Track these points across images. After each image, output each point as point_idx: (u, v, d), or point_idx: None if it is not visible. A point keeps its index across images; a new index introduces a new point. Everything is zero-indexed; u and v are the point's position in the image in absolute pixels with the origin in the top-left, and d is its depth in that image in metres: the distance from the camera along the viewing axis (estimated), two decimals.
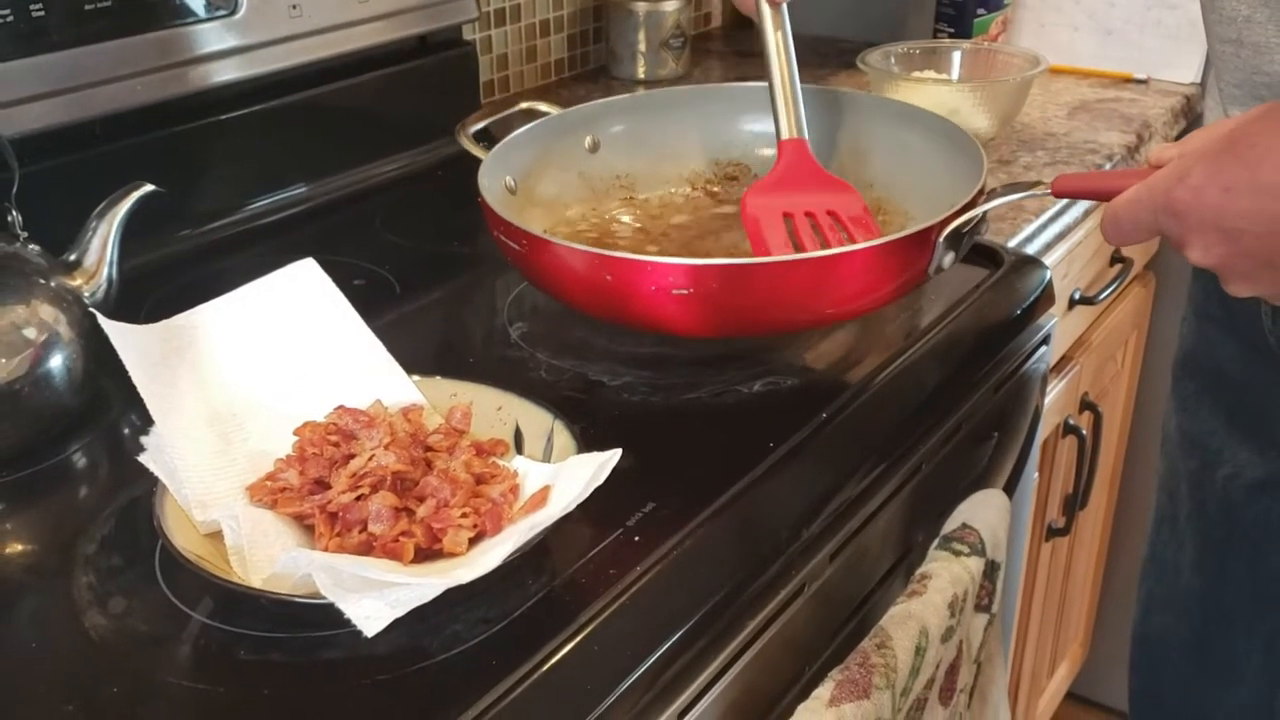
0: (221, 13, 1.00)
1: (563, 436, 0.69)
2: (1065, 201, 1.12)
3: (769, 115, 0.92)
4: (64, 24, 0.91)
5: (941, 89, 1.24)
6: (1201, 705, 1.04)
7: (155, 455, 0.66)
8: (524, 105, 1.01)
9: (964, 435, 0.87)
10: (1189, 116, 1.44)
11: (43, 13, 0.89)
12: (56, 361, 0.74)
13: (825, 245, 0.85)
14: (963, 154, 0.89)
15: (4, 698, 0.57)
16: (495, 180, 0.90)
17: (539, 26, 1.49)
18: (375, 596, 0.55)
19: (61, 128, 0.92)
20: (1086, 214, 1.19)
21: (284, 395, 0.72)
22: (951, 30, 1.49)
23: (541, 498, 0.64)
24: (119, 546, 0.66)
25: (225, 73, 1.02)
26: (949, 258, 0.80)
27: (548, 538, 0.62)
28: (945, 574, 0.80)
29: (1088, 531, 1.58)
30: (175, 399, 0.69)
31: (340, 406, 0.70)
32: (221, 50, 1.01)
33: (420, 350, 0.85)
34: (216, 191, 1.06)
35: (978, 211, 0.80)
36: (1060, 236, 1.14)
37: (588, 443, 0.67)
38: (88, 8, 0.91)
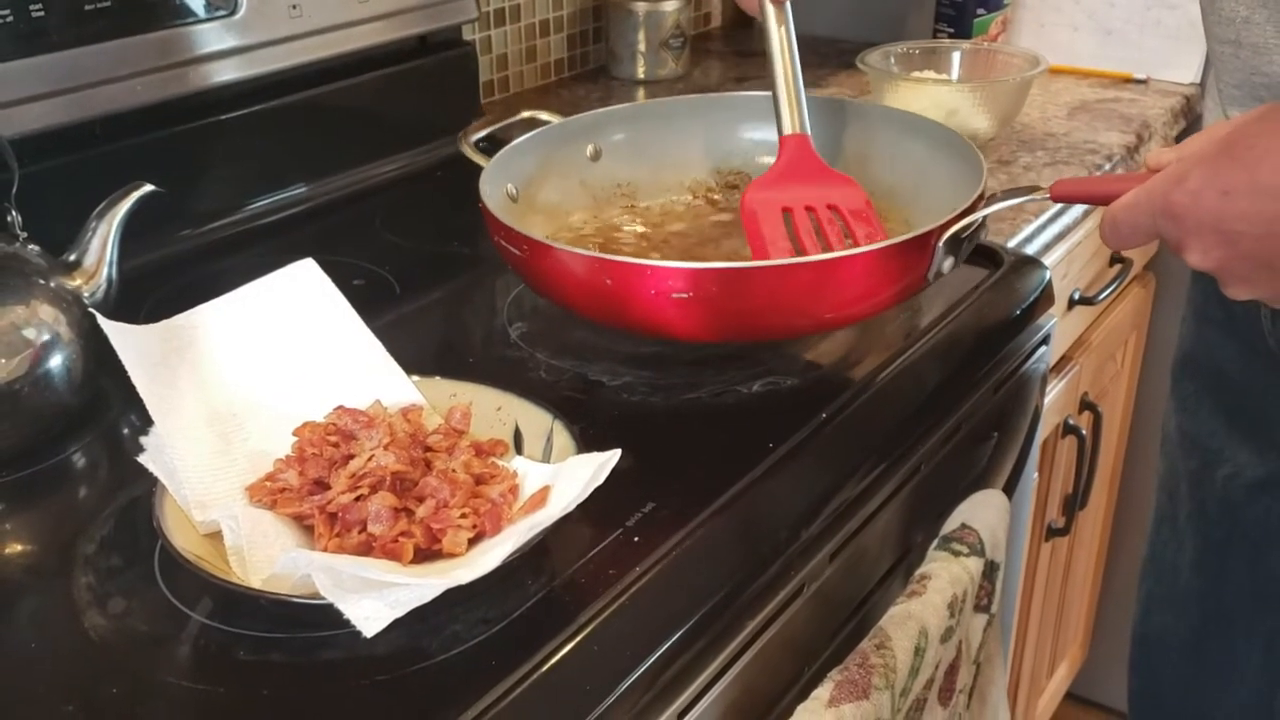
0: (221, 13, 1.00)
1: (562, 437, 0.69)
2: None
3: (771, 124, 0.92)
4: (64, 24, 0.91)
5: (941, 89, 1.24)
6: (1201, 705, 1.04)
7: (155, 455, 0.66)
8: (526, 114, 1.01)
9: (963, 435, 0.87)
10: (1188, 117, 1.44)
11: (42, 13, 0.89)
12: (56, 362, 0.74)
13: (824, 240, 0.85)
14: (963, 161, 0.89)
15: (4, 698, 0.57)
16: (497, 187, 0.90)
17: (539, 26, 1.49)
18: (374, 597, 0.55)
19: (61, 128, 0.92)
20: (1086, 214, 1.19)
21: (283, 395, 0.72)
22: (951, 30, 1.49)
23: (541, 498, 0.64)
24: (118, 547, 0.66)
25: (225, 73, 1.02)
26: (948, 262, 0.80)
27: (547, 538, 0.62)
28: (944, 574, 0.80)
29: (1087, 531, 1.58)
30: (175, 399, 0.69)
31: (340, 407, 0.70)
32: (221, 50, 1.01)
33: (420, 350, 0.85)
34: (216, 191, 1.06)
35: (977, 216, 0.80)
36: (1060, 237, 1.14)
37: (587, 443, 0.67)
38: (87, 8, 0.91)
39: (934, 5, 1.51)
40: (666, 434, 0.76)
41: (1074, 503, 1.36)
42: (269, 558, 0.60)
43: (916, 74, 1.30)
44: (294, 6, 1.05)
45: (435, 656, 0.57)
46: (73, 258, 0.79)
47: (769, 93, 0.92)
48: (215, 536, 0.62)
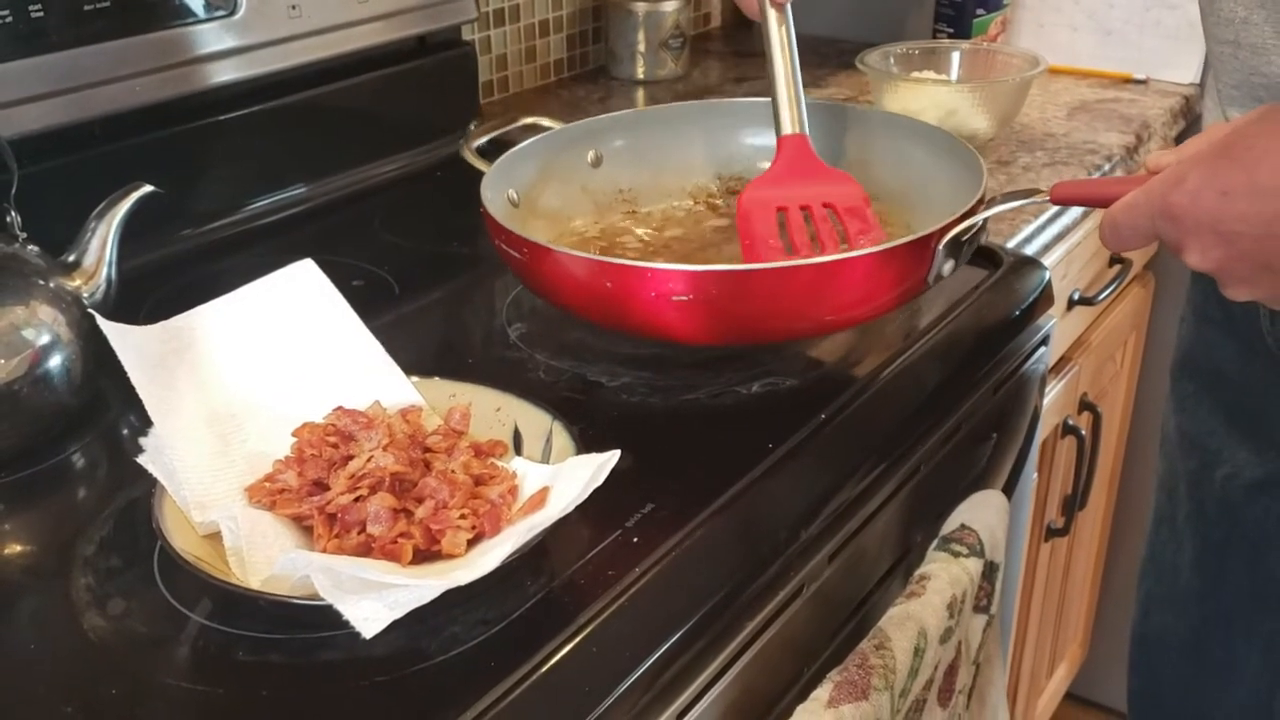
0: (221, 13, 1.00)
1: (561, 437, 0.69)
2: None
3: (771, 129, 0.92)
4: (63, 25, 0.91)
5: (940, 89, 1.24)
6: (1200, 705, 1.04)
7: (154, 456, 0.66)
8: (527, 120, 1.01)
9: (963, 436, 0.87)
10: (1188, 117, 1.44)
11: (42, 13, 0.89)
12: (55, 362, 0.74)
13: (816, 239, 0.85)
14: (963, 165, 0.89)
15: (3, 699, 0.57)
16: (498, 193, 0.90)
17: (538, 27, 1.49)
18: (374, 598, 0.55)
19: (61, 128, 0.92)
20: (1085, 214, 1.19)
21: (283, 396, 0.72)
22: (951, 30, 1.49)
23: (540, 499, 0.64)
24: (118, 548, 0.66)
25: (225, 73, 1.02)
26: (948, 265, 0.80)
27: (546, 539, 0.62)
28: (944, 575, 0.80)
29: (1087, 532, 1.58)
30: (174, 400, 0.69)
31: (339, 408, 0.70)
32: (221, 51, 1.01)
33: (419, 351, 0.85)
34: (216, 192, 1.06)
35: (977, 219, 0.80)
36: (1059, 237, 1.14)
37: (586, 444, 0.67)
38: (86, 8, 0.91)
39: (933, 5, 1.51)
40: (666, 435, 0.76)
41: (1073, 503, 1.36)
42: (268, 559, 0.60)
43: (916, 74, 1.30)
44: (293, 7, 1.05)
45: (434, 657, 0.57)
46: (72, 258, 0.79)
47: (769, 98, 0.92)
48: (214, 537, 0.62)
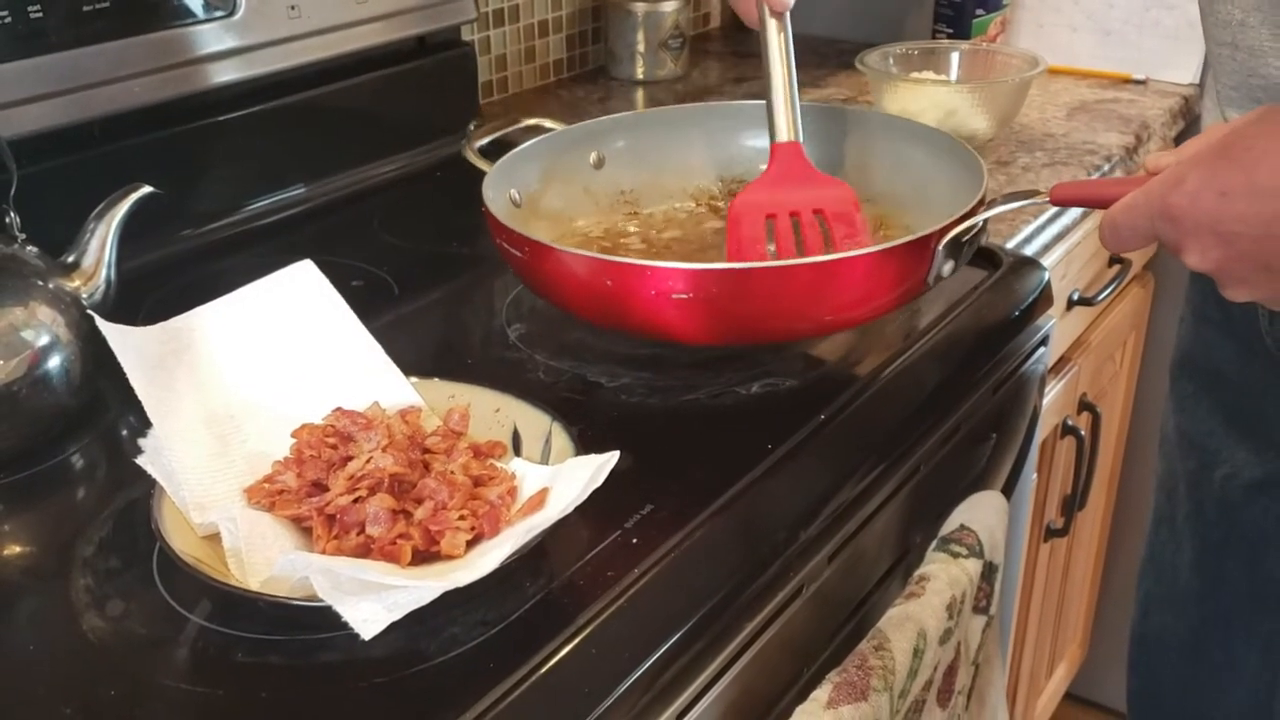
0: (220, 14, 1.00)
1: (561, 438, 0.69)
2: None
3: None
4: (62, 25, 0.91)
5: (940, 90, 1.24)
6: (1200, 705, 1.04)
7: (153, 457, 0.66)
8: (530, 121, 1.01)
9: (962, 436, 0.87)
10: (1187, 117, 1.44)
11: (41, 14, 0.89)
12: (54, 363, 0.74)
13: (802, 243, 0.85)
14: (963, 167, 0.89)
15: (2, 699, 0.57)
16: (500, 193, 0.90)
17: (537, 27, 1.49)
18: (373, 599, 0.55)
19: (60, 129, 0.92)
20: (1085, 215, 1.19)
21: (282, 397, 0.72)
22: (950, 31, 1.49)
23: (539, 500, 0.64)
24: (117, 549, 0.66)
25: (224, 74, 1.02)
26: (948, 266, 0.80)
27: (545, 540, 0.62)
28: (943, 576, 0.80)
29: (1086, 532, 1.58)
30: (173, 401, 0.69)
31: (338, 409, 0.70)
32: (220, 51, 1.01)
33: (418, 352, 0.85)
34: (215, 192, 1.06)
35: (977, 220, 0.80)
36: (1059, 237, 1.14)
37: (586, 444, 0.67)
38: (86, 9, 0.91)
39: (933, 6, 1.51)
40: (665, 435, 0.76)
41: (1073, 503, 1.36)
42: (267, 560, 0.60)
43: (915, 74, 1.30)
44: (293, 7, 1.05)
45: (433, 659, 0.57)
46: (71, 259, 0.79)
47: (764, 86, 0.92)
48: (214, 538, 0.62)
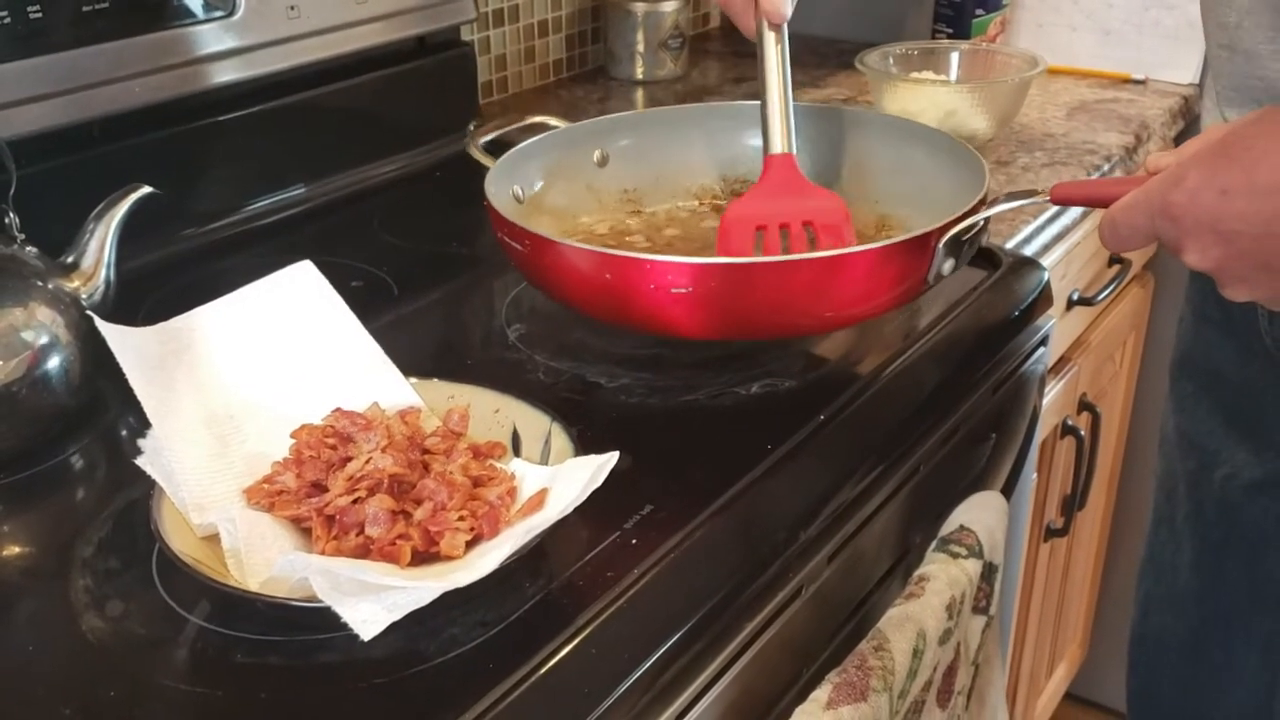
0: (219, 14, 1.00)
1: (560, 439, 0.69)
2: None
3: None
4: (62, 25, 0.91)
5: (940, 90, 1.24)
6: (1199, 705, 1.04)
7: (152, 458, 0.65)
8: (534, 119, 1.02)
9: (962, 436, 0.87)
10: (1187, 117, 1.44)
11: (40, 14, 0.89)
12: (54, 364, 0.74)
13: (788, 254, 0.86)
14: (965, 167, 0.89)
15: (2, 700, 0.57)
16: (502, 189, 0.90)
17: (537, 27, 1.49)
18: (372, 600, 0.55)
19: (59, 129, 0.92)
20: (1085, 215, 1.19)
21: (281, 398, 0.72)
22: (950, 31, 1.49)
23: (539, 500, 0.64)
24: (116, 549, 0.66)
25: (224, 74, 1.02)
26: (949, 264, 0.80)
27: (545, 540, 0.62)
28: (943, 576, 0.80)
29: (1086, 532, 1.58)
30: (172, 402, 0.69)
31: (337, 409, 0.70)
32: (220, 51, 1.01)
33: (418, 352, 0.85)
34: (214, 193, 1.06)
35: (978, 218, 0.80)
36: (1059, 237, 1.14)
37: (585, 445, 0.67)
38: (85, 9, 0.91)
39: (932, 5, 1.51)
40: (664, 436, 0.76)
41: (1072, 503, 1.36)
42: (266, 560, 0.60)
43: (915, 74, 1.30)
44: (292, 8, 1.05)
45: (433, 659, 0.57)
46: (71, 259, 0.79)
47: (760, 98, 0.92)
48: (213, 539, 0.62)
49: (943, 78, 1.32)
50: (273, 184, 1.10)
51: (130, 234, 0.81)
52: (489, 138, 0.98)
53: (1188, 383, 0.98)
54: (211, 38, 1.00)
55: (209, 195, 1.05)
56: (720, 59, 1.63)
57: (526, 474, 0.67)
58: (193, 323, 0.74)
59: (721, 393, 0.80)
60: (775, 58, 0.89)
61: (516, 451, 0.70)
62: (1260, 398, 0.91)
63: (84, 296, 0.78)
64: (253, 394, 0.72)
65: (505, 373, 0.82)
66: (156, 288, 0.93)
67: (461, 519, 0.62)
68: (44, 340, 0.74)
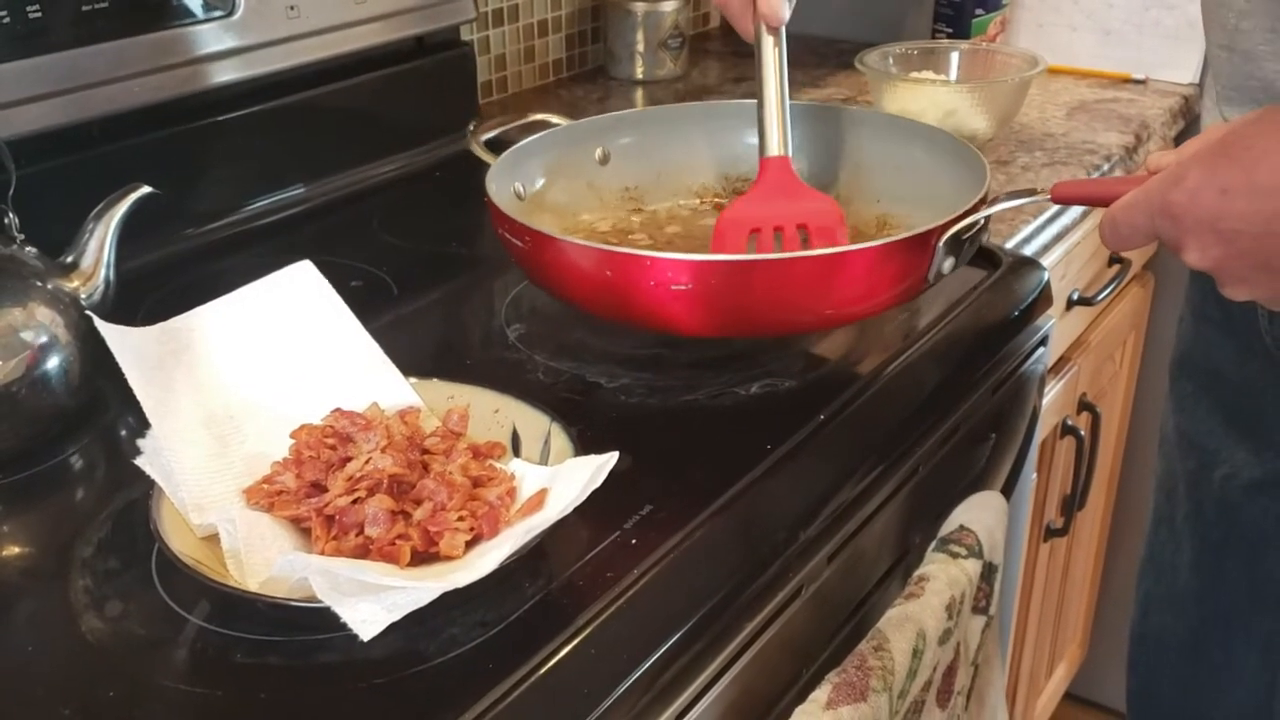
0: (219, 14, 1.00)
1: (560, 439, 0.69)
2: None
3: None
4: (61, 25, 0.91)
5: (939, 89, 1.24)
6: (1199, 705, 1.04)
7: (152, 458, 0.65)
8: (535, 116, 1.02)
9: (961, 436, 0.87)
10: (1187, 117, 1.44)
11: (40, 14, 0.89)
12: (53, 364, 0.74)
13: None
14: (966, 166, 0.90)
15: (1, 701, 0.57)
16: (504, 185, 0.90)
17: (537, 27, 1.49)
18: (371, 600, 0.55)
19: (59, 129, 0.92)
20: (1084, 215, 1.19)
21: (281, 398, 0.72)
22: (950, 30, 1.49)
23: (538, 501, 0.64)
24: (115, 550, 0.66)
25: (223, 74, 1.02)
26: (949, 263, 0.80)
27: (545, 541, 0.62)
28: (943, 576, 0.80)
29: (1086, 532, 1.58)
30: (172, 402, 0.69)
31: (337, 409, 0.70)
32: (219, 51, 1.01)
33: (417, 352, 0.85)
34: (214, 193, 1.06)
35: (978, 216, 0.80)
36: (1058, 237, 1.14)
37: (585, 445, 0.67)
38: (85, 9, 0.91)
39: (932, 5, 1.51)
40: (664, 436, 0.76)
41: (1072, 503, 1.36)
42: (266, 561, 0.60)
43: (915, 74, 1.30)
44: (291, 7, 1.05)
45: (432, 660, 0.57)
46: (70, 259, 0.79)
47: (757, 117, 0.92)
48: (212, 539, 0.62)
49: (943, 78, 1.32)
50: (272, 184, 1.10)
51: (130, 234, 0.81)
52: (490, 135, 0.98)
53: (1187, 382, 0.98)
54: (211, 38, 1.00)
55: (208, 195, 1.05)
56: (720, 59, 1.63)
57: (526, 474, 0.67)
58: (192, 323, 0.74)
59: (721, 393, 0.80)
60: (773, 60, 0.89)
61: (516, 452, 0.70)
62: (1260, 397, 0.91)
63: (83, 296, 0.78)
64: (252, 394, 0.72)
65: (505, 373, 0.82)
66: (156, 288, 0.93)
67: (461, 519, 0.62)
68: (43, 340, 0.73)
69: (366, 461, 0.65)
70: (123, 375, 0.69)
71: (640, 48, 1.49)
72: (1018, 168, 1.23)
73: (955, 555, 0.82)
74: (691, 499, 0.68)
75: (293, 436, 0.68)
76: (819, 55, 1.60)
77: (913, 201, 0.95)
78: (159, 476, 0.64)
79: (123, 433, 0.77)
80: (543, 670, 0.57)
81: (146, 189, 0.81)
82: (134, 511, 0.68)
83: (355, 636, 0.54)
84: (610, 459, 0.62)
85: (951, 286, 0.92)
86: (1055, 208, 1.12)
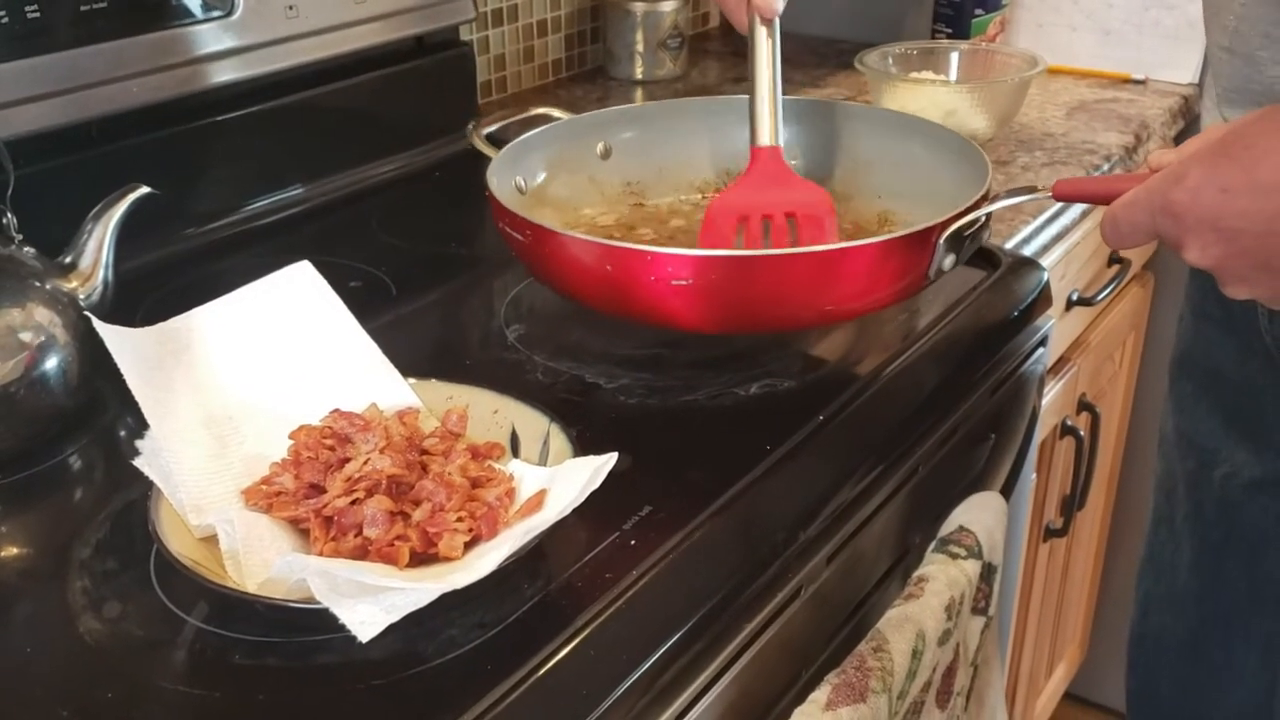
0: (218, 14, 1.00)
1: (559, 439, 0.69)
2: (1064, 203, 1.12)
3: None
4: (60, 25, 0.90)
5: (939, 90, 1.24)
6: (1199, 706, 1.04)
7: (150, 459, 0.65)
8: (537, 110, 1.02)
9: (961, 437, 0.87)
10: (1187, 117, 1.44)
11: (38, 14, 0.89)
12: (52, 364, 0.74)
13: (770, 246, 0.86)
14: (967, 163, 0.90)
15: (0, 702, 0.57)
16: (505, 179, 0.90)
17: (536, 27, 1.49)
18: (370, 601, 0.55)
19: (58, 129, 0.92)
20: (1084, 215, 1.19)
21: (279, 399, 0.72)
22: (949, 30, 1.49)
23: (537, 501, 0.64)
24: (114, 551, 0.66)
25: (222, 74, 1.02)
26: (949, 260, 0.80)
27: (544, 542, 0.62)
28: (942, 577, 0.80)
29: (1085, 532, 1.58)
30: (170, 402, 0.69)
31: (335, 410, 0.70)
32: (218, 51, 1.01)
33: (416, 353, 0.85)
34: (213, 193, 1.06)
35: (979, 213, 0.80)
36: (1058, 237, 1.14)
37: (584, 446, 0.67)
38: (84, 9, 0.91)
39: (932, 5, 1.50)
40: (663, 437, 0.76)
41: (1072, 504, 1.36)
42: (264, 562, 0.60)
43: (915, 74, 1.30)
44: (291, 7, 1.05)
45: (431, 661, 0.57)
46: (68, 260, 0.79)
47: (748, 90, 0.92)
48: (211, 540, 0.62)
49: (942, 78, 1.32)
50: (271, 184, 1.10)
51: (128, 234, 0.81)
52: (491, 129, 0.98)
53: (1187, 382, 0.98)
54: (210, 37, 1.00)
55: (207, 195, 1.05)
56: (719, 59, 1.63)
57: (525, 475, 0.67)
58: (191, 323, 0.74)
59: (721, 393, 0.80)
60: (766, 52, 0.89)
61: (515, 452, 0.70)
62: (1260, 397, 0.91)
63: (82, 297, 0.78)
64: (251, 395, 0.72)
65: (504, 373, 0.82)
66: (155, 288, 0.93)
67: (460, 520, 0.62)
68: (41, 341, 0.73)
69: (365, 462, 0.65)
70: (121, 376, 0.68)
71: (640, 48, 1.49)
72: (1017, 168, 1.23)
73: (955, 556, 0.82)
74: (691, 500, 0.68)
75: (291, 437, 0.68)
76: (819, 55, 1.60)
77: (914, 198, 0.95)
78: (157, 477, 0.64)
79: (121, 433, 0.77)
80: (541, 671, 0.57)
81: (145, 189, 0.81)
82: (132, 512, 0.68)
83: (354, 638, 0.54)
84: (609, 460, 0.62)
85: (951, 286, 0.92)
86: (1055, 208, 1.12)
